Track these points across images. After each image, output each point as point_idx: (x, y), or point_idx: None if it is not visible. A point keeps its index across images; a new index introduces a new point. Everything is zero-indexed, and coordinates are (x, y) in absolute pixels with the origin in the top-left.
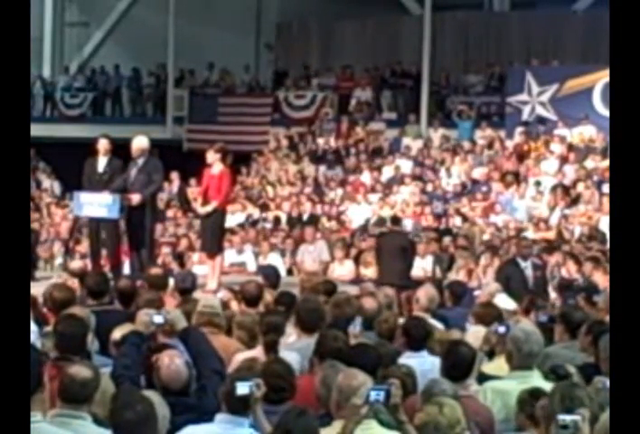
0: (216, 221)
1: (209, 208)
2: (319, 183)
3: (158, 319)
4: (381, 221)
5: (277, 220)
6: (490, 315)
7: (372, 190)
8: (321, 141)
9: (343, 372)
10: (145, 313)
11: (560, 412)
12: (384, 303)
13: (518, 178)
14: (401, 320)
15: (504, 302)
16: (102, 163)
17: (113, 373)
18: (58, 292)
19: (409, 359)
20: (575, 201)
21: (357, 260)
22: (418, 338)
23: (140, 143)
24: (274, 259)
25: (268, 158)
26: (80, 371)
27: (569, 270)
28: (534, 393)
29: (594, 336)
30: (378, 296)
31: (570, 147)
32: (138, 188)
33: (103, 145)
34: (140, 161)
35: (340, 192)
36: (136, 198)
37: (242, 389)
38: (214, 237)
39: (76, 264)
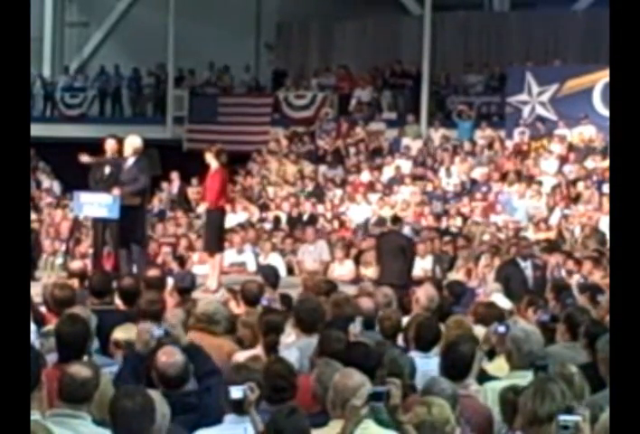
0: (214, 221)
1: (200, 208)
2: (319, 183)
3: (159, 333)
4: (381, 221)
5: (277, 220)
6: (491, 314)
7: (372, 190)
8: (321, 141)
9: (339, 372)
10: (145, 330)
11: (532, 406)
12: (383, 302)
13: (521, 177)
14: (404, 319)
15: (501, 302)
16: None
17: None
18: (59, 291)
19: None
20: (575, 201)
21: (357, 260)
22: (427, 339)
23: (133, 142)
24: (275, 259)
25: (268, 158)
26: (79, 370)
27: (570, 270)
28: (514, 388)
29: (592, 337)
30: (377, 295)
31: (570, 147)
32: (123, 185)
33: (110, 145)
34: (131, 160)
35: (340, 192)
36: (115, 191)
37: (236, 393)
38: (213, 236)
39: (76, 264)
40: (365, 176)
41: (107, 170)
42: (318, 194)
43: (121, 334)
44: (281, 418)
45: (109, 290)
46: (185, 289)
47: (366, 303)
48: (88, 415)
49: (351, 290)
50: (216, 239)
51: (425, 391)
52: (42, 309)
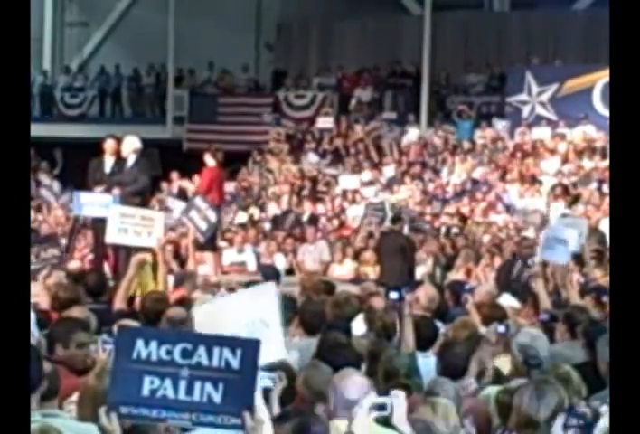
0: None
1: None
2: (319, 182)
3: None
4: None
5: (276, 220)
6: (494, 315)
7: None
8: (321, 141)
9: (339, 372)
10: None
11: (528, 409)
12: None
13: (521, 176)
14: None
15: (508, 301)
16: (109, 163)
17: None
18: (62, 292)
19: None
20: (575, 201)
21: (357, 260)
22: (425, 338)
23: (132, 143)
24: (278, 260)
25: (268, 158)
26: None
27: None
28: (509, 390)
29: (591, 336)
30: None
31: (571, 147)
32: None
33: (110, 145)
34: (130, 160)
35: (340, 191)
36: (115, 192)
37: (265, 381)
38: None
39: (74, 264)
40: (366, 176)
41: (107, 169)
42: (318, 194)
43: None
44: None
45: (105, 289)
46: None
47: (378, 303)
48: (62, 412)
49: (351, 290)
50: (208, 237)
51: (428, 391)
52: (45, 309)
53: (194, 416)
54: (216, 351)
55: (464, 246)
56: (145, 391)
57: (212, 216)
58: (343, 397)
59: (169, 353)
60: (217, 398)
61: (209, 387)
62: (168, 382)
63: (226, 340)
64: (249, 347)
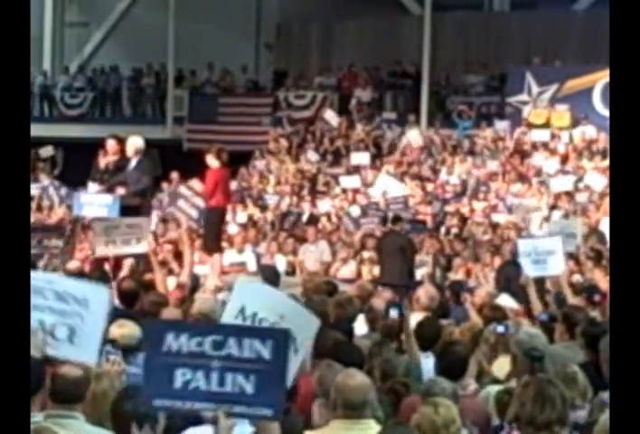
0: (211, 220)
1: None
2: (319, 182)
3: None
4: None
5: (277, 220)
6: (494, 316)
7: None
8: (321, 141)
9: (341, 372)
10: None
11: (532, 411)
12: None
13: (521, 176)
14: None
15: (507, 302)
16: (112, 163)
17: None
18: None
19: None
20: (575, 201)
21: (357, 260)
22: (428, 338)
23: (135, 143)
24: (279, 260)
25: (268, 158)
26: (70, 370)
27: (570, 270)
28: (510, 391)
29: (590, 336)
30: (383, 295)
31: (570, 147)
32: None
33: (112, 145)
34: (134, 161)
35: (340, 191)
36: (119, 191)
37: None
38: (210, 235)
39: (73, 264)
40: (365, 176)
41: (110, 167)
42: (319, 194)
43: (117, 331)
44: None
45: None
46: (188, 289)
47: (379, 303)
48: (80, 415)
49: (351, 290)
50: (213, 238)
51: (426, 391)
52: None
53: (227, 407)
54: (246, 342)
55: (464, 246)
56: (178, 383)
57: (200, 202)
58: (344, 396)
59: (200, 345)
60: (249, 389)
61: (240, 378)
62: (200, 374)
63: (256, 331)
64: (280, 338)
